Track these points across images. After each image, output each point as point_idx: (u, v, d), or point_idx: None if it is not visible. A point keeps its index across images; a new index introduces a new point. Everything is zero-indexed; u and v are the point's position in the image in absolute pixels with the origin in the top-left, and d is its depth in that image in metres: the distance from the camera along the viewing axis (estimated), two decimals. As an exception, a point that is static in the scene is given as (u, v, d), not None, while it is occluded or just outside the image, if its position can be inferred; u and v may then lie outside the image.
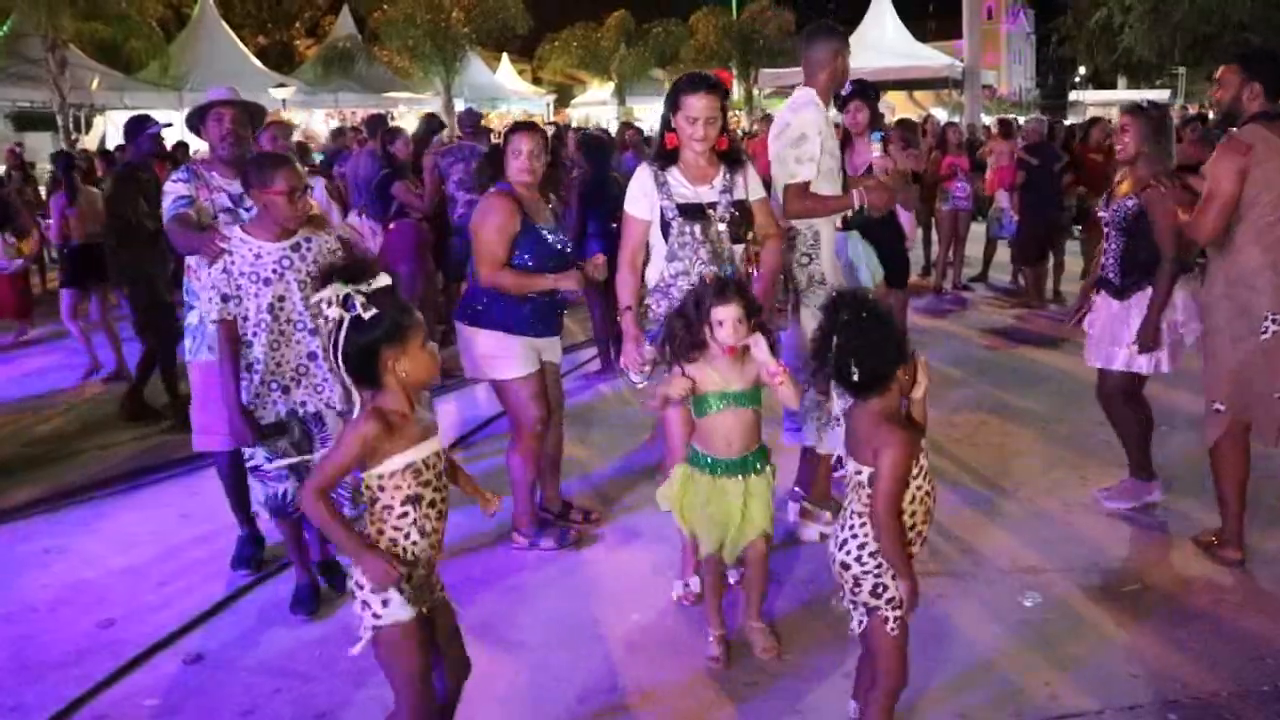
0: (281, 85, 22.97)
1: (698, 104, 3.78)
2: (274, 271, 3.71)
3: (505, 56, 33.29)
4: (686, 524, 3.50)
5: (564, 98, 37.38)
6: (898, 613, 2.72)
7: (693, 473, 3.44)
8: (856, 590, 2.74)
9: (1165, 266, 4.34)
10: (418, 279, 7.67)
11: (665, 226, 3.85)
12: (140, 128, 6.89)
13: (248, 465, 3.90)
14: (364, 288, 2.48)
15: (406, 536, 2.57)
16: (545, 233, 4.29)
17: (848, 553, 2.73)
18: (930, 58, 25.90)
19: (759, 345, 3.30)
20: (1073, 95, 48.90)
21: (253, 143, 4.52)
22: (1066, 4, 28.11)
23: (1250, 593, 3.96)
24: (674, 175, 3.87)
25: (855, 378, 2.62)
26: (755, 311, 3.35)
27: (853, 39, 19.61)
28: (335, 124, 22.78)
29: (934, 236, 11.04)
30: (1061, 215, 9.95)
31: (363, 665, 3.60)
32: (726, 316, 3.27)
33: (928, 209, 10.46)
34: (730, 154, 3.96)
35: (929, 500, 2.73)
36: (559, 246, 4.33)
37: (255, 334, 3.70)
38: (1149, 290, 4.40)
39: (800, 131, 4.23)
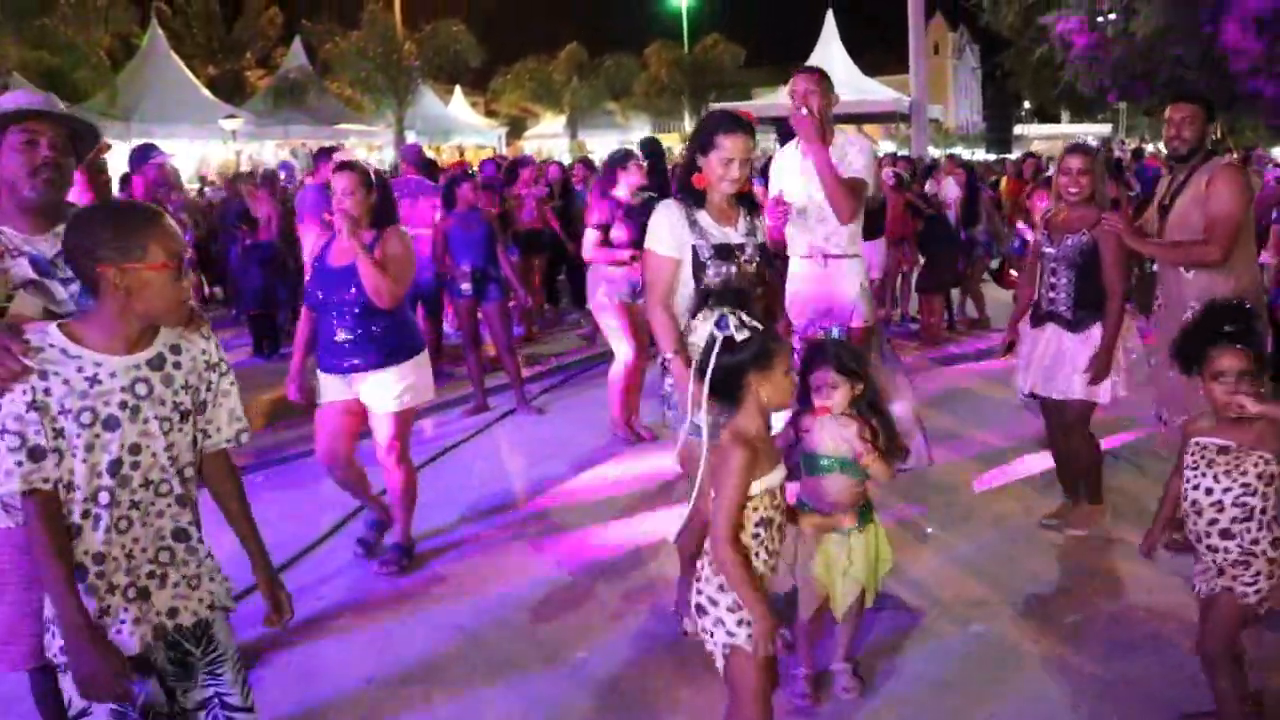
0: (232, 116, 22.84)
1: (735, 145, 3.61)
2: (122, 405, 2.30)
3: (458, 89, 33.36)
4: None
5: (517, 130, 37.48)
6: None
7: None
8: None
9: (1117, 301, 4.48)
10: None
11: (699, 266, 3.67)
12: (144, 157, 6.79)
13: None
14: (739, 310, 2.51)
15: (756, 555, 2.63)
16: (327, 270, 4.49)
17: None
18: (878, 92, 26.28)
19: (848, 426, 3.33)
20: (1017, 129, 49.95)
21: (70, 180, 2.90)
22: (1010, 40, 28.68)
23: (1189, 622, 4.02)
24: (703, 215, 3.75)
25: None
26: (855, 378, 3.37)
27: (801, 74, 19.42)
28: (286, 155, 22.72)
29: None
30: (962, 250, 10.21)
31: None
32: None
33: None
34: (749, 197, 3.89)
35: None
36: (318, 288, 4.51)
37: (92, 514, 2.30)
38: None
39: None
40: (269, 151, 25.80)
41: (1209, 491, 3.03)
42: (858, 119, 31.75)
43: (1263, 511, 3.00)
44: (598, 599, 4.35)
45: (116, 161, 8.22)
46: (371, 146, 27.98)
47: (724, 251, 3.68)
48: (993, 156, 29.20)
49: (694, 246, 3.68)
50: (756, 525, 2.62)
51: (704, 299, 2.56)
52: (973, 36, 71.10)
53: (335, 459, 4.66)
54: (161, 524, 2.42)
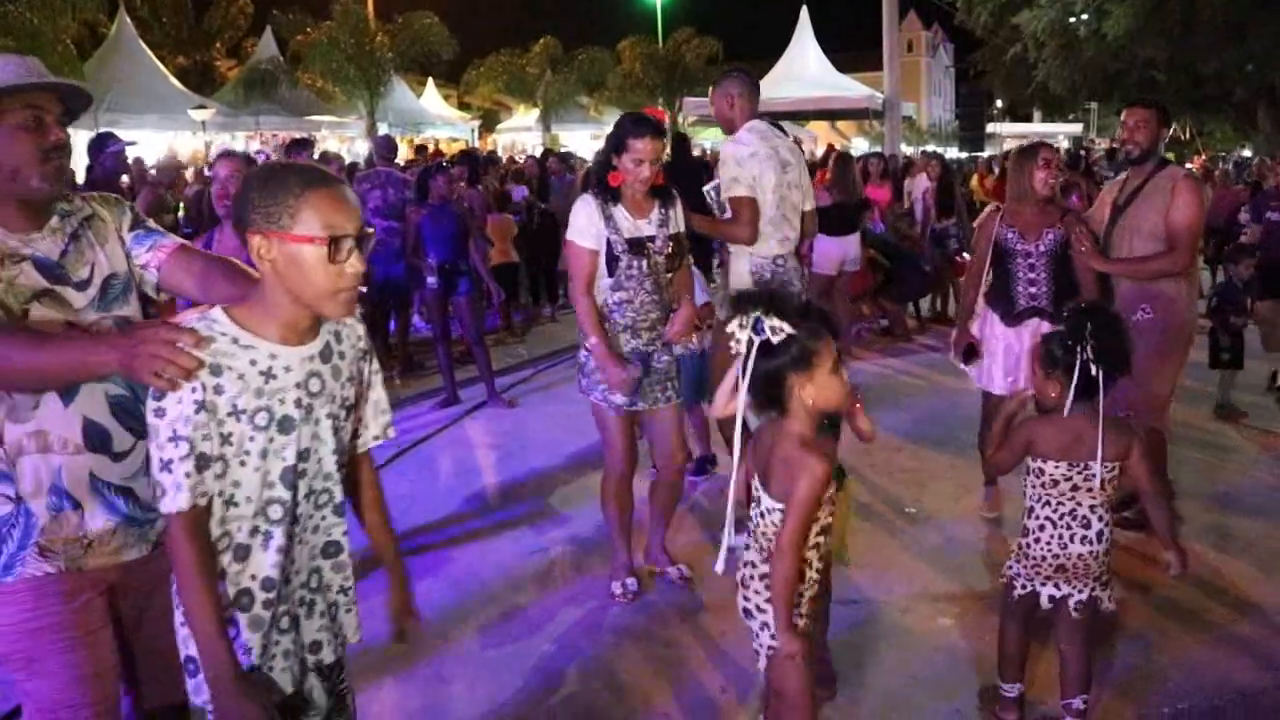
0: (201, 107, 22.58)
1: (644, 147, 3.89)
2: (298, 403, 1.99)
3: (430, 81, 33.15)
4: None
5: (490, 123, 37.30)
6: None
7: None
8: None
9: (1090, 293, 4.64)
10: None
11: (613, 259, 3.97)
12: (103, 146, 6.68)
13: None
14: (775, 313, 2.43)
15: (810, 565, 2.59)
16: None
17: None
18: (851, 89, 26.33)
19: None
20: (990, 128, 50.19)
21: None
22: (984, 39, 28.88)
23: (1152, 613, 4.06)
24: (618, 210, 3.99)
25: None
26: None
27: (776, 69, 20.04)
28: (257, 146, 22.52)
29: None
30: (929, 267, 10.30)
31: None
32: None
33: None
34: (665, 189, 4.10)
35: None
36: None
37: (262, 531, 1.99)
38: None
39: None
40: (239, 143, 25.53)
41: None
42: (831, 115, 31.92)
43: (1026, 499, 3.19)
44: (567, 592, 4.34)
45: (77, 154, 8.08)
46: (343, 139, 27.79)
47: (636, 245, 3.97)
48: (964, 155, 29.27)
49: (608, 240, 3.95)
50: (816, 535, 2.58)
51: (739, 302, 2.50)
52: (947, 35, 71.48)
53: None
54: (315, 540, 2.09)
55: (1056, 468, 3.09)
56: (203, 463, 1.89)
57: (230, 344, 1.91)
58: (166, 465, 1.87)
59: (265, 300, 1.95)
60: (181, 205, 10.07)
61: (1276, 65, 20.79)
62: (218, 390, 1.88)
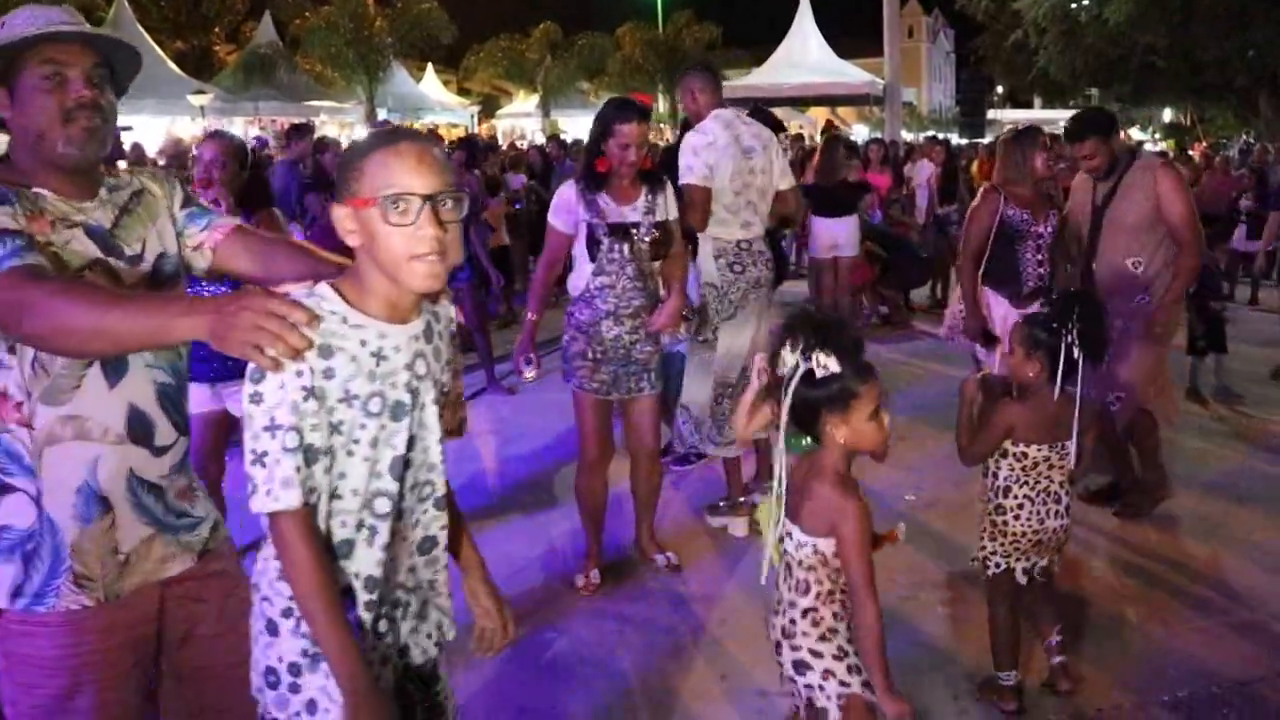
0: (200, 92, 22.53)
1: (630, 131, 3.89)
2: (407, 386, 1.82)
3: (430, 66, 33.09)
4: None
5: (489, 108, 37.24)
6: None
7: None
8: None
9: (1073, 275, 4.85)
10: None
11: (594, 243, 3.97)
12: None
13: None
14: (829, 346, 2.34)
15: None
16: None
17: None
18: (852, 74, 26.26)
19: None
20: (990, 113, 50.11)
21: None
22: (985, 24, 28.79)
23: (1150, 603, 4.07)
24: (601, 195, 3.99)
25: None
26: None
27: (776, 55, 19.97)
28: (256, 132, 22.47)
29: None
30: (926, 254, 10.32)
31: None
32: None
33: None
34: (652, 174, 4.09)
35: None
36: None
37: (367, 525, 1.82)
38: None
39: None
40: (238, 129, 25.46)
41: None
42: (831, 101, 31.81)
43: (1000, 480, 3.23)
44: (568, 578, 4.34)
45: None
46: (342, 124, 27.73)
47: (619, 230, 3.96)
48: (965, 141, 29.21)
49: (590, 225, 3.96)
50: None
51: (791, 327, 2.42)
52: (947, 21, 71.26)
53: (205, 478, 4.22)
54: (414, 536, 1.91)
55: (1038, 450, 3.16)
56: (311, 455, 1.71)
57: (340, 323, 1.73)
58: (260, 458, 1.69)
59: (360, 275, 1.79)
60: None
61: (1278, 52, 20.72)
62: (328, 375, 1.71)
